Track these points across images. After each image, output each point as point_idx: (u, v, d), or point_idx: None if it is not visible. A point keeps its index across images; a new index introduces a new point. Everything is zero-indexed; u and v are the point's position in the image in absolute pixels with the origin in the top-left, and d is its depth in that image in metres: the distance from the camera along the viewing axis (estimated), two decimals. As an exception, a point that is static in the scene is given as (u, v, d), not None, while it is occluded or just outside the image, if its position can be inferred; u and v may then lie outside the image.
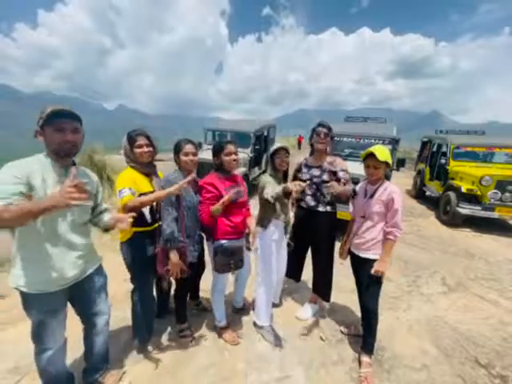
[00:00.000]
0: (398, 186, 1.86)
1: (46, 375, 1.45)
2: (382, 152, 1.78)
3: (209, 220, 1.87)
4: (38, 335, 1.36)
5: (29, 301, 1.30)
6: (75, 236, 1.36)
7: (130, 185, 1.68)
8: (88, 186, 1.37)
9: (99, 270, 1.56)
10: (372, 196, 1.88)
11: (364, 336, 1.99)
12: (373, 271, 1.82)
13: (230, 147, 1.89)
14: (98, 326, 1.58)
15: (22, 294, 1.28)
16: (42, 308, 1.31)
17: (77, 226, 1.37)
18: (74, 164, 1.35)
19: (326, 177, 2.20)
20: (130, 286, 1.94)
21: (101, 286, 1.56)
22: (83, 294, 1.48)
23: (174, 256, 1.74)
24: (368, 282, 1.89)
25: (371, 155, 1.78)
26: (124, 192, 1.64)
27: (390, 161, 1.81)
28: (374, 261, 1.86)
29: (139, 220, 1.73)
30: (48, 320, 1.34)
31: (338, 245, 2.50)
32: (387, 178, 1.92)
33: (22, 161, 1.19)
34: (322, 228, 2.28)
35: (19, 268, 1.25)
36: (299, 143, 21.84)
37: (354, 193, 2.08)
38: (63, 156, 1.26)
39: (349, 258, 2.11)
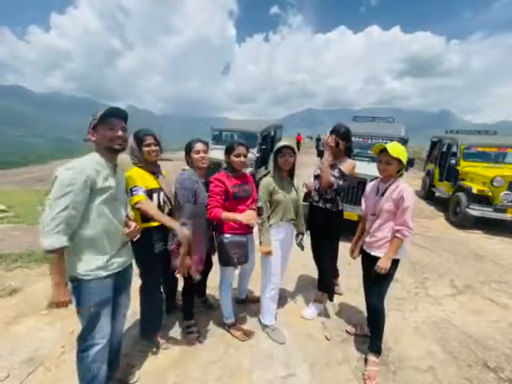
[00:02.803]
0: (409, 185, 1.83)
1: (88, 374, 1.41)
2: (395, 148, 1.76)
3: (215, 218, 1.93)
4: (89, 330, 1.38)
5: (85, 289, 1.34)
6: (123, 227, 1.50)
7: (140, 183, 1.73)
8: (124, 182, 1.60)
9: (131, 264, 1.66)
10: (383, 194, 1.86)
11: (371, 336, 1.99)
12: (376, 268, 1.81)
13: (239, 149, 1.95)
14: (118, 319, 1.63)
15: (78, 283, 1.33)
16: (97, 297, 1.36)
17: (124, 217, 1.54)
18: (116, 165, 1.50)
19: (335, 172, 2.27)
20: (138, 282, 1.98)
21: (130, 278, 1.67)
22: (120, 284, 1.54)
23: (185, 230, 1.72)
24: (375, 281, 1.89)
25: (384, 150, 1.77)
26: (137, 190, 1.68)
27: (403, 159, 1.77)
28: None
29: (147, 201, 1.76)
30: (101, 311, 1.39)
31: (345, 245, 2.50)
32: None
33: (81, 161, 1.33)
34: (320, 224, 2.36)
35: (75, 256, 1.32)
36: (298, 143, 21.27)
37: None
38: (117, 151, 1.41)
39: (358, 258, 2.12)
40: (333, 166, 2.32)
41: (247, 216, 1.86)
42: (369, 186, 2.08)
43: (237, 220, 1.87)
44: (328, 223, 2.34)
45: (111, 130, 1.35)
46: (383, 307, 1.92)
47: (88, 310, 1.36)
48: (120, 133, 1.37)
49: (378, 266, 1.80)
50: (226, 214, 1.89)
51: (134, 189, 1.69)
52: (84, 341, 1.40)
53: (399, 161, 1.77)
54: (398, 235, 1.78)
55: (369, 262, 1.97)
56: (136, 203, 1.68)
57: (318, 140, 19.00)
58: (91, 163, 1.32)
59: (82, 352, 1.40)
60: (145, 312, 2.02)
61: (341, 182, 2.27)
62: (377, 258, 1.87)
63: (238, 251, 1.97)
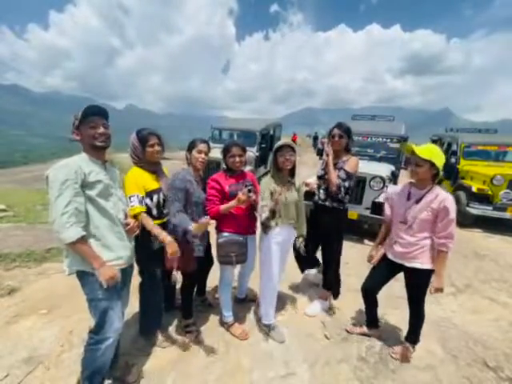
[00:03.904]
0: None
1: (93, 366, 1.43)
2: (427, 149, 1.63)
3: (216, 215, 1.94)
4: (102, 323, 1.40)
5: (96, 282, 1.35)
6: (124, 222, 1.52)
7: (137, 190, 1.70)
8: (117, 178, 1.62)
9: (133, 263, 1.69)
10: (418, 201, 1.73)
11: (412, 332, 2.01)
12: (432, 291, 1.75)
13: (233, 150, 1.95)
14: None
15: (88, 277, 1.35)
16: (107, 289, 1.36)
17: (124, 213, 1.55)
18: (106, 161, 1.51)
19: (341, 174, 2.27)
20: (137, 281, 1.98)
21: (131, 276, 1.69)
22: (122, 283, 1.54)
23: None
24: (417, 292, 1.87)
25: (414, 152, 1.66)
26: (133, 201, 1.66)
27: (437, 162, 1.62)
28: (422, 270, 1.78)
29: (146, 214, 1.76)
30: (112, 305, 1.41)
31: (345, 244, 2.49)
32: (436, 181, 1.77)
33: (68, 160, 1.36)
34: (329, 224, 2.35)
35: None
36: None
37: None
38: (100, 148, 1.42)
39: (357, 257, 2.11)
40: (336, 166, 2.29)
41: (239, 197, 1.81)
42: (395, 190, 1.94)
43: (234, 205, 1.86)
44: (335, 221, 2.34)
45: (93, 128, 1.37)
46: (424, 311, 1.95)
47: (98, 303, 1.38)
48: (102, 130, 1.39)
49: (437, 289, 1.74)
50: (223, 206, 1.91)
51: (131, 198, 1.66)
52: (96, 334, 1.42)
53: (432, 164, 1.62)
54: (443, 249, 1.68)
55: (404, 272, 1.91)
56: (135, 217, 1.65)
57: (316, 138, 18.78)
58: (77, 161, 1.36)
59: (93, 345, 1.42)
60: (144, 310, 2.01)
61: (346, 184, 2.24)
62: (413, 270, 1.81)
63: (235, 250, 1.96)
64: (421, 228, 1.75)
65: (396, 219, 1.89)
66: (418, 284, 1.85)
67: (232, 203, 1.86)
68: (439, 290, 1.74)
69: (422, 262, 1.78)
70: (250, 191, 1.79)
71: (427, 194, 1.71)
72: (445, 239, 1.67)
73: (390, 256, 1.94)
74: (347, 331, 2.27)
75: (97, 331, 1.41)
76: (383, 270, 2.01)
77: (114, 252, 1.42)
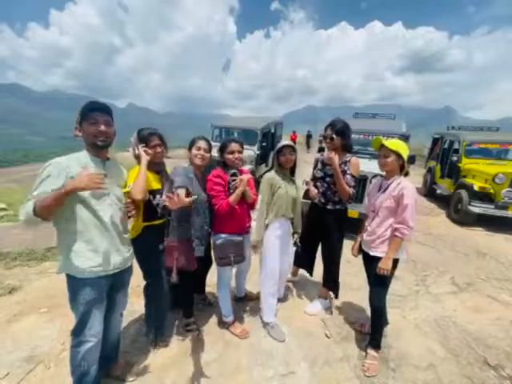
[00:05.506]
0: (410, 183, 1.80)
1: (78, 370, 1.41)
2: (391, 142, 1.76)
3: (228, 208, 1.89)
4: (81, 326, 1.38)
5: (79, 287, 1.34)
6: (120, 225, 1.48)
7: None
8: (121, 176, 1.58)
9: (131, 265, 1.66)
10: (385, 191, 1.85)
11: (372, 332, 2.00)
12: (377, 270, 1.80)
13: (233, 146, 1.94)
14: (115, 317, 1.63)
15: (72, 280, 1.34)
16: (89, 295, 1.34)
17: (122, 214, 1.50)
18: (107, 159, 1.47)
19: (349, 181, 2.20)
20: (137, 280, 1.97)
21: (129, 278, 1.67)
22: (117, 283, 1.53)
23: (181, 191, 1.66)
24: (375, 280, 1.88)
25: (383, 145, 1.78)
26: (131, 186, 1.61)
27: (403, 153, 1.75)
28: (381, 259, 1.82)
29: (149, 214, 1.75)
30: (93, 310, 1.38)
31: (345, 242, 2.48)
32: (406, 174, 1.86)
33: (62, 157, 1.32)
34: (330, 224, 2.33)
35: (69, 254, 1.31)
36: (293, 143, 20.91)
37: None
38: (101, 147, 1.37)
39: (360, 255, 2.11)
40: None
41: (242, 181, 1.86)
42: (372, 184, 2.07)
43: (241, 192, 1.87)
44: (338, 222, 2.32)
45: (93, 124, 1.32)
46: (384, 305, 1.91)
47: (79, 307, 1.36)
48: (102, 128, 1.33)
49: (380, 268, 1.78)
50: (231, 198, 1.88)
51: (130, 186, 1.61)
52: (76, 336, 1.40)
53: (398, 155, 1.75)
54: (397, 234, 1.75)
55: (367, 261, 1.96)
56: (129, 192, 1.57)
57: (309, 137, 19.11)
58: (71, 158, 1.32)
59: (74, 347, 1.41)
60: (149, 313, 2.00)
61: (354, 189, 2.23)
62: (375, 258, 1.85)
63: (234, 250, 1.96)
64: (385, 216, 1.83)
65: (369, 209, 1.99)
66: (376, 272, 1.83)
67: (238, 191, 1.87)
68: (383, 270, 1.77)
69: (383, 251, 1.82)
70: (234, 174, 1.90)
71: (391, 184, 1.81)
72: (399, 224, 1.74)
73: (362, 246, 2.02)
74: (355, 330, 2.26)
75: (76, 333, 1.39)
76: (366, 261, 2.05)
77: (101, 257, 1.37)
